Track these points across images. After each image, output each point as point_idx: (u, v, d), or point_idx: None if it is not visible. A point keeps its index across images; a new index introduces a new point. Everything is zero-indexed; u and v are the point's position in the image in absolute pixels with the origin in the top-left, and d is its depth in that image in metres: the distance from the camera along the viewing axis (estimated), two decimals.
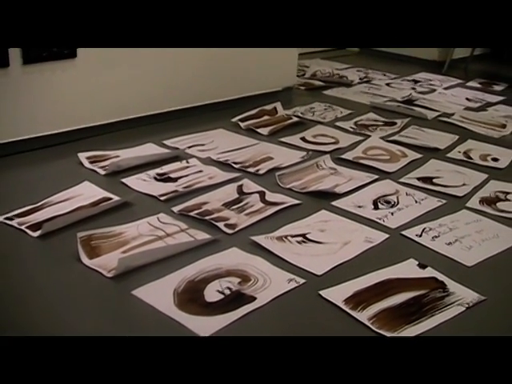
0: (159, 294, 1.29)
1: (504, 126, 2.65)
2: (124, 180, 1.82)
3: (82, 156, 1.96)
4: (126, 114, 2.23)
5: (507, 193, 1.91)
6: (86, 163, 1.92)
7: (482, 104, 3.07)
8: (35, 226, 1.51)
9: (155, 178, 1.85)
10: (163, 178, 1.85)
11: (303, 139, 2.30)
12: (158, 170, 1.90)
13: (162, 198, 1.71)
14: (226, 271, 1.38)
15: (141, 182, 1.81)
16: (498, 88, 3.48)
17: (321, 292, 1.32)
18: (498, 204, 1.83)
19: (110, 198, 1.69)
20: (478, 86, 3.51)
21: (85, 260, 1.39)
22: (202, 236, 1.52)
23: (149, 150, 2.07)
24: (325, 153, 2.13)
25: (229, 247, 1.48)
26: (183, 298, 1.28)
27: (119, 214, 1.62)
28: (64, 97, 2.03)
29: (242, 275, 1.37)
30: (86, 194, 1.71)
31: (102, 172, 1.87)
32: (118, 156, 1.98)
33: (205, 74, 2.46)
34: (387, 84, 3.38)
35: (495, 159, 2.22)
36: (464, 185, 1.96)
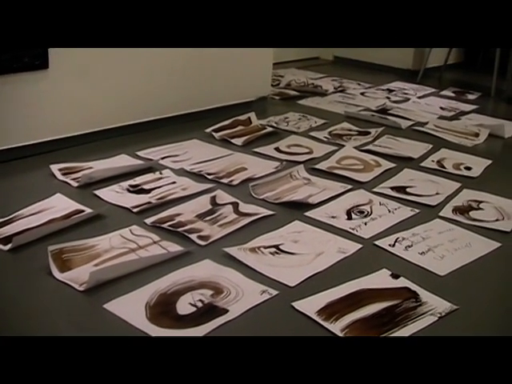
0: (131, 307, 1.28)
1: (477, 135, 2.67)
2: (97, 192, 1.80)
3: (55, 168, 1.94)
4: (99, 125, 2.22)
5: (480, 201, 1.93)
6: (59, 175, 1.90)
7: (455, 113, 3.10)
8: (6, 240, 1.49)
9: (128, 190, 1.84)
10: (136, 190, 1.84)
11: (277, 149, 2.30)
12: (131, 182, 1.89)
13: (134, 210, 1.70)
14: (199, 283, 1.37)
15: (113, 194, 1.80)
16: (471, 97, 3.52)
17: (293, 303, 1.32)
18: (470, 213, 1.84)
19: (83, 211, 1.67)
20: (452, 94, 3.54)
21: (56, 274, 1.37)
22: (175, 248, 1.51)
23: (122, 161, 2.06)
24: (299, 163, 2.13)
25: (202, 259, 1.47)
26: (155, 311, 1.27)
27: (91, 227, 1.61)
28: (36, 108, 2.01)
29: (214, 287, 1.36)
30: (58, 206, 1.70)
31: (75, 184, 1.85)
32: (90, 168, 1.97)
33: (178, 84, 2.45)
34: (361, 93, 3.39)
35: (468, 168, 2.24)
36: (437, 194, 1.97)
